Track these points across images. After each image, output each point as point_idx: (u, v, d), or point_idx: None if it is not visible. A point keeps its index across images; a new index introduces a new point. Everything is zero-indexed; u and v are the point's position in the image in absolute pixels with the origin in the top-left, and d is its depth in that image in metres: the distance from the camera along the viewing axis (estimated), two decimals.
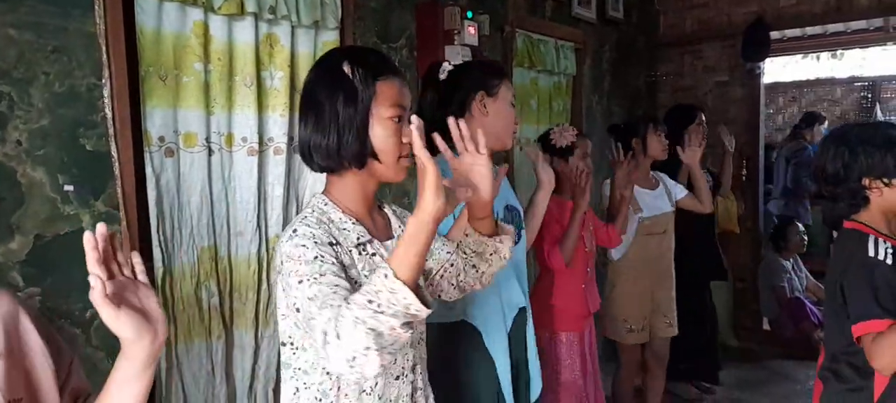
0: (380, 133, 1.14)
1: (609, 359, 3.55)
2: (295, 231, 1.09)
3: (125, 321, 0.79)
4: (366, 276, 1.12)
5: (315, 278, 1.02)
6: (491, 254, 1.29)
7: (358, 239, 1.16)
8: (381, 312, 0.92)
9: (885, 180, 1.59)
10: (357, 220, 1.18)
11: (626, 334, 2.89)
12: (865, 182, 1.61)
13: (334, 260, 1.06)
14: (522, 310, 1.87)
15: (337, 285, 1.02)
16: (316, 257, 1.05)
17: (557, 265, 2.31)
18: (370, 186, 1.21)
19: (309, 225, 1.10)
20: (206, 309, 2.04)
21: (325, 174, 1.22)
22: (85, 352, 1.74)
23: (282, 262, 1.08)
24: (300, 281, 1.03)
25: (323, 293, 1.00)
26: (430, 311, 0.96)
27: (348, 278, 1.06)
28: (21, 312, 0.89)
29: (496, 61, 2.16)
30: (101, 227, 0.81)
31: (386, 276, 0.94)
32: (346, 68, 1.13)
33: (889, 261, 1.49)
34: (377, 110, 1.13)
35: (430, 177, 0.96)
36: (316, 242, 1.07)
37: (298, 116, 1.19)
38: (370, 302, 0.93)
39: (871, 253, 1.51)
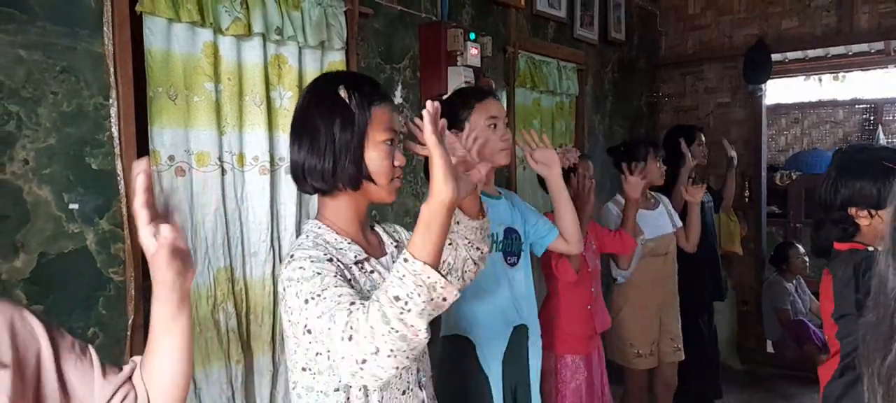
0: (374, 156, 1.17)
1: (615, 383, 3.52)
2: (292, 257, 1.11)
3: (173, 263, 0.83)
4: (368, 292, 1.14)
5: (318, 295, 1.04)
6: (483, 237, 1.32)
7: (355, 257, 1.18)
8: (409, 310, 0.92)
9: (872, 210, 1.56)
10: (352, 240, 1.20)
11: (633, 359, 2.86)
12: (852, 211, 1.58)
13: (335, 272, 1.07)
14: (519, 328, 1.86)
15: (340, 295, 1.02)
16: (317, 273, 1.06)
17: (565, 274, 2.23)
18: (362, 207, 1.24)
19: (305, 249, 1.12)
20: (224, 332, 2.00)
21: (317, 196, 1.24)
22: None
23: (284, 289, 1.10)
24: (306, 301, 1.04)
25: (329, 308, 1.01)
26: (457, 295, 0.96)
27: (351, 285, 1.07)
28: (22, 311, 0.88)
29: (474, 86, 2.17)
30: (142, 164, 0.81)
31: (406, 260, 0.94)
32: (343, 93, 1.16)
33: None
34: (372, 135, 1.17)
35: (439, 163, 0.95)
36: (313, 261, 1.08)
37: (290, 138, 1.21)
38: (397, 298, 0.92)
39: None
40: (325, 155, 1.14)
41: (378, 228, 1.34)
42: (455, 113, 1.76)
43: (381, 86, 1.24)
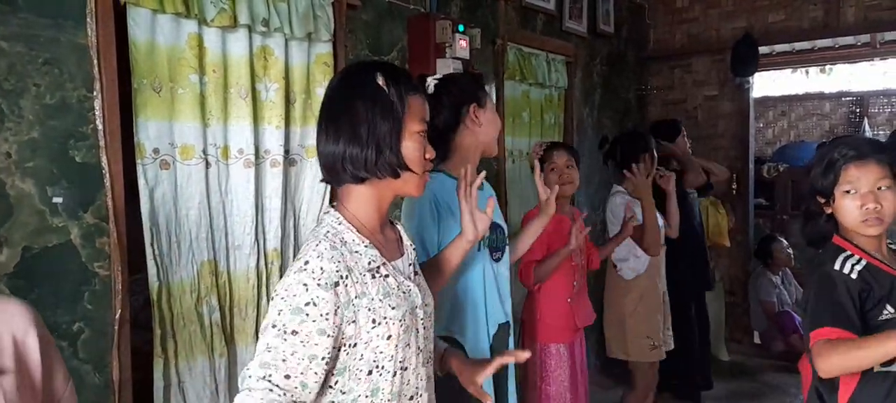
0: (409, 146, 1.16)
1: (607, 376, 3.54)
2: (306, 263, 1.08)
3: None
4: (381, 301, 1.12)
5: (282, 333, 1.03)
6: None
7: (370, 263, 1.14)
8: None
9: (823, 199, 1.59)
10: (369, 241, 1.17)
11: (650, 352, 2.87)
12: (820, 200, 1.61)
13: (319, 315, 1.05)
14: (503, 326, 1.87)
15: (292, 354, 1.03)
16: (307, 303, 1.04)
17: (527, 282, 2.32)
18: (387, 199, 1.21)
19: (321, 258, 1.08)
20: (207, 325, 2.00)
21: (330, 187, 1.24)
22: (71, 365, 1.73)
23: (278, 293, 1.07)
24: (273, 325, 1.05)
25: (272, 352, 1.03)
26: None
27: (328, 334, 1.07)
28: (31, 328, 0.89)
29: (474, 73, 2.22)
30: None
31: None
32: (381, 81, 1.14)
33: (854, 276, 1.48)
34: (409, 124, 1.16)
35: None
36: (318, 284, 1.05)
37: (321, 127, 1.17)
38: None
39: (837, 267, 1.51)
40: (367, 143, 1.12)
41: (398, 225, 1.32)
42: (476, 92, 1.80)
43: (412, 76, 1.23)
